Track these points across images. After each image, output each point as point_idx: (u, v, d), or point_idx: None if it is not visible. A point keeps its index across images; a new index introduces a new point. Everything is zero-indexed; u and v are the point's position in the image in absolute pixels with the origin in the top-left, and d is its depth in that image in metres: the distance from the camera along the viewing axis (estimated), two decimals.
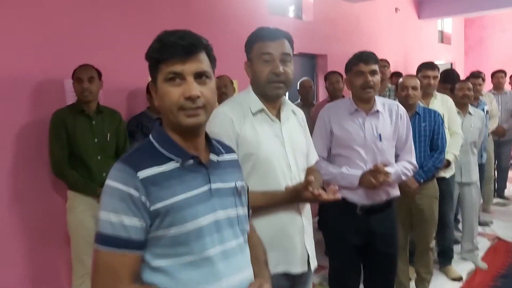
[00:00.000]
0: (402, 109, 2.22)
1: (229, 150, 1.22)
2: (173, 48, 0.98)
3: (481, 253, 3.87)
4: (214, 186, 1.06)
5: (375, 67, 2.08)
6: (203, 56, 1.03)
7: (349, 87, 2.16)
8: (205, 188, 1.05)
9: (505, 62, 7.68)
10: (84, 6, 2.88)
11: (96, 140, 2.60)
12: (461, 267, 3.59)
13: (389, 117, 2.17)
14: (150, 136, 1.08)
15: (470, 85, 3.37)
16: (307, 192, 1.43)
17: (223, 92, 3.23)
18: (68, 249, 2.65)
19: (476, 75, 3.96)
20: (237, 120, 1.48)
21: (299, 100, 4.33)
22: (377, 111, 2.13)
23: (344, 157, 2.13)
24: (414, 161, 2.24)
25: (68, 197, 2.60)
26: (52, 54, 2.71)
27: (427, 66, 3.16)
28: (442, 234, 3.37)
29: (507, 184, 5.74)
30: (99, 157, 2.60)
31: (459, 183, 3.51)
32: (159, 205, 0.97)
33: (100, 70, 2.67)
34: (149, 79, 1.08)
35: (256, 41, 1.53)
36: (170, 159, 1.02)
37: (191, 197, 1.01)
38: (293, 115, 1.66)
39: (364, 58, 2.06)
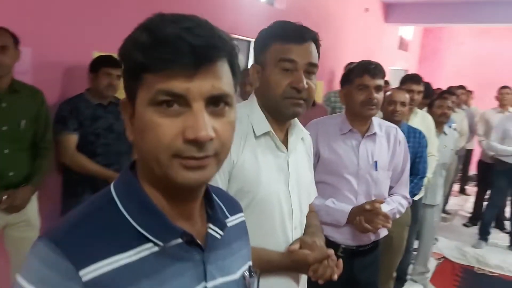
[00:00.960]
0: (401, 134, 1.89)
1: (234, 208, 0.79)
2: (176, 50, 0.54)
3: (429, 274, 3.77)
4: (211, 284, 0.65)
5: (381, 82, 1.73)
6: (224, 69, 0.60)
7: (346, 101, 1.79)
8: None
9: (457, 75, 7.83)
10: None
11: (4, 128, 2.00)
12: None
13: (386, 142, 1.83)
14: (112, 189, 0.63)
15: (450, 103, 3.16)
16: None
17: None
18: None
19: (452, 92, 3.78)
20: (235, 144, 1.04)
21: None
22: (374, 133, 1.79)
23: (329, 185, 1.76)
24: (408, 195, 1.93)
25: None
26: None
27: (412, 79, 2.88)
28: (402, 258, 3.20)
29: (449, 198, 5.80)
30: (6, 151, 2.01)
31: (422, 204, 3.33)
32: None
33: (23, 36, 2.04)
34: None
35: (276, 41, 1.12)
36: (145, 239, 0.60)
37: None
38: (301, 141, 1.28)
39: (371, 70, 1.70)
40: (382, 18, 6.96)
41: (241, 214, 0.81)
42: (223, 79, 0.59)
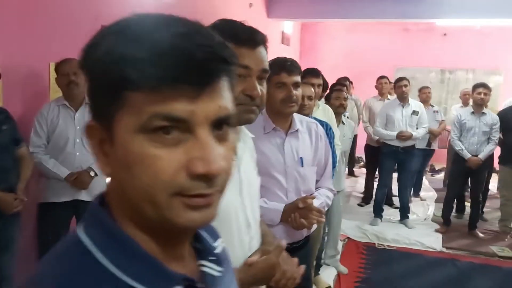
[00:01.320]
0: (321, 129, 1.94)
1: (214, 234, 0.70)
2: (178, 64, 0.44)
3: (338, 255, 3.95)
4: None
5: (298, 78, 1.75)
6: (227, 84, 0.51)
7: (266, 100, 1.74)
8: None
9: (333, 68, 8.38)
10: None
11: None
12: (326, 274, 3.60)
13: (308, 137, 1.87)
14: (84, 236, 0.50)
15: (346, 94, 3.33)
16: None
17: (72, 81, 2.47)
18: None
19: (343, 83, 3.98)
20: None
21: None
22: (297, 130, 1.80)
23: (260, 186, 1.70)
24: (332, 186, 1.99)
25: None
26: None
27: (311, 72, 2.96)
28: None
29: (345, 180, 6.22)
30: None
31: None
32: None
33: None
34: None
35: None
36: None
37: None
38: (246, 146, 1.23)
39: (288, 67, 1.70)
40: (265, 13, 7.12)
41: (221, 239, 0.71)
42: (226, 97, 0.50)
